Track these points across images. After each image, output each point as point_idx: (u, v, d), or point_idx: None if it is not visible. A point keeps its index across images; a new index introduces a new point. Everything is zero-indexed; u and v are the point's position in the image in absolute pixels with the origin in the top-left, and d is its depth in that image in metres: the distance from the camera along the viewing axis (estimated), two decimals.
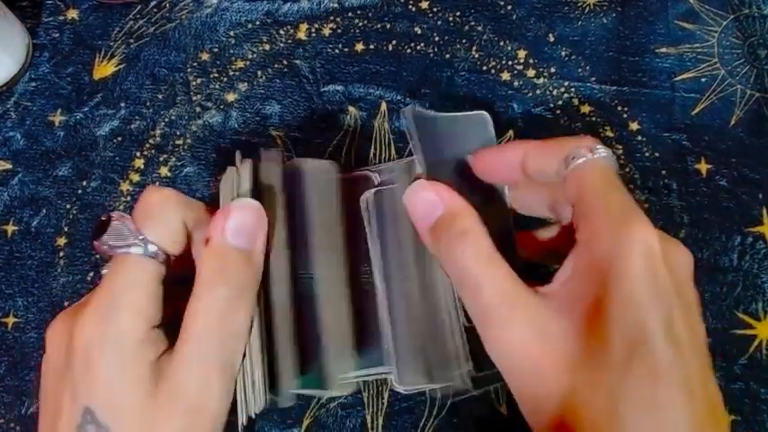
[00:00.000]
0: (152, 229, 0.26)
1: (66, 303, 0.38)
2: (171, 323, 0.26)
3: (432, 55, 0.41)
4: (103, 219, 0.26)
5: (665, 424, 0.21)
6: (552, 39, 0.41)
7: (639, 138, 0.38)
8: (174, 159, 0.40)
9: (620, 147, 0.38)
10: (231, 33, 0.43)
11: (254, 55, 0.42)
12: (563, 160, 0.26)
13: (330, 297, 0.31)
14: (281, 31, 0.43)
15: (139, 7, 0.44)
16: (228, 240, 0.26)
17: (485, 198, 0.30)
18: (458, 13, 0.42)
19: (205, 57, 0.43)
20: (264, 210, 0.27)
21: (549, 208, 0.30)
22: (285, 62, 0.42)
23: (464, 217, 0.26)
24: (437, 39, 0.42)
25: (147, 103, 0.42)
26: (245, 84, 0.42)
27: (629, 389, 0.21)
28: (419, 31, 0.42)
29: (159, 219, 0.26)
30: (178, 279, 0.27)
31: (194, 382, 0.24)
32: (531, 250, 0.31)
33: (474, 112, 0.32)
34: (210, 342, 0.25)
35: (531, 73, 0.40)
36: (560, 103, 0.40)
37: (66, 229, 0.40)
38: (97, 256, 0.39)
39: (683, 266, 0.24)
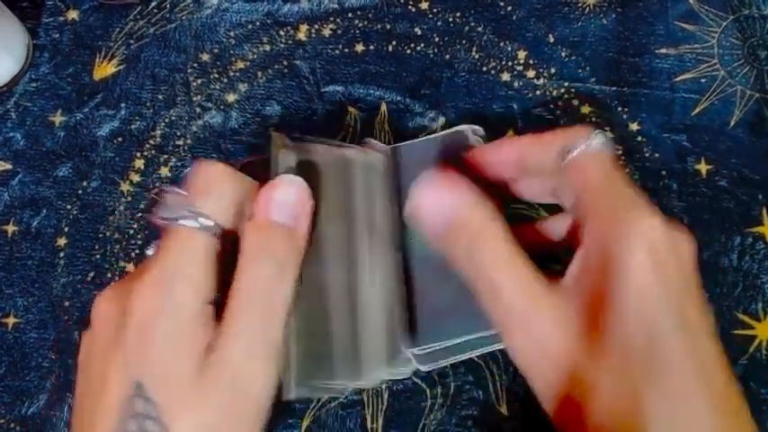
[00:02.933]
0: (206, 202, 0.26)
1: (66, 303, 0.38)
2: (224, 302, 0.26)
3: (432, 55, 0.41)
4: (158, 193, 0.26)
5: (684, 412, 0.21)
6: (552, 39, 0.41)
7: (639, 138, 0.38)
8: (174, 160, 0.40)
9: (620, 147, 0.38)
10: (231, 34, 0.43)
11: (255, 55, 0.42)
12: (559, 153, 0.26)
13: (376, 287, 0.30)
14: (282, 32, 0.43)
15: (140, 8, 0.44)
16: (273, 217, 0.26)
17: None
18: (458, 14, 0.42)
19: (205, 57, 0.43)
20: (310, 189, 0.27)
21: (552, 194, 0.30)
22: (285, 63, 0.42)
23: (478, 215, 0.26)
24: (437, 39, 0.42)
25: (148, 104, 0.42)
26: (246, 84, 0.42)
27: (648, 381, 0.22)
28: (419, 32, 0.42)
29: (213, 193, 0.26)
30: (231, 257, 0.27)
31: (240, 355, 0.24)
32: (538, 242, 0.30)
33: (453, 129, 0.32)
34: (254, 317, 0.25)
35: (531, 73, 0.40)
36: (560, 103, 0.40)
37: (66, 229, 0.40)
38: (97, 256, 0.39)
39: (687, 254, 0.24)
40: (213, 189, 0.26)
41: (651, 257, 0.22)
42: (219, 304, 0.26)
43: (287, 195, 0.27)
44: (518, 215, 0.38)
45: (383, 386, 0.35)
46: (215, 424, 0.24)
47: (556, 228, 0.30)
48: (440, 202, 0.26)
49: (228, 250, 0.27)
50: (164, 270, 0.25)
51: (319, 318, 0.28)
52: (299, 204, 0.27)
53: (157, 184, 0.40)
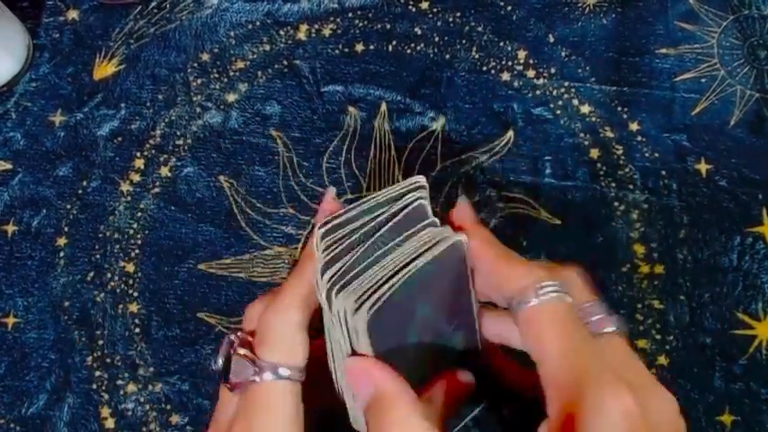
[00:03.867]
0: (273, 351, 0.25)
1: (66, 303, 0.38)
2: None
3: (432, 55, 0.41)
4: (224, 356, 0.25)
5: None
6: (552, 39, 0.41)
7: (639, 138, 0.38)
8: (174, 159, 0.40)
9: (620, 147, 0.38)
10: (231, 34, 0.43)
11: (255, 55, 0.42)
12: (511, 301, 0.24)
13: None
14: (281, 32, 0.43)
15: (140, 8, 0.44)
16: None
17: (452, 304, 0.27)
18: (458, 14, 0.42)
19: (205, 57, 0.43)
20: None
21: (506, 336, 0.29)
22: (285, 62, 0.42)
23: (395, 406, 0.23)
24: (437, 39, 0.42)
25: (148, 104, 0.42)
26: (246, 84, 0.42)
27: None
28: (419, 32, 0.42)
29: (278, 339, 0.25)
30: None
31: None
32: (522, 385, 0.29)
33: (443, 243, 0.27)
34: None
35: (531, 73, 0.40)
36: (560, 103, 0.40)
37: (66, 229, 0.40)
38: (97, 256, 0.39)
39: (666, 416, 0.23)
40: (277, 337, 0.25)
41: (626, 425, 0.21)
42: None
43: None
44: (518, 215, 0.38)
45: None
46: None
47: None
48: (362, 376, 0.24)
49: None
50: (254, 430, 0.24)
51: None
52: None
53: (158, 183, 0.40)
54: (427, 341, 0.27)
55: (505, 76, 0.41)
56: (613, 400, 0.21)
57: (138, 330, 0.38)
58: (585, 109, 0.39)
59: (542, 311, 0.23)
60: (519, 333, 0.24)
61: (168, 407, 0.36)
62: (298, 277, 0.26)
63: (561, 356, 0.23)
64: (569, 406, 0.22)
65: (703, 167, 0.38)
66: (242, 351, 0.25)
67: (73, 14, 0.45)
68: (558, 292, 0.24)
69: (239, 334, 0.26)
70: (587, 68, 0.40)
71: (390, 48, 0.42)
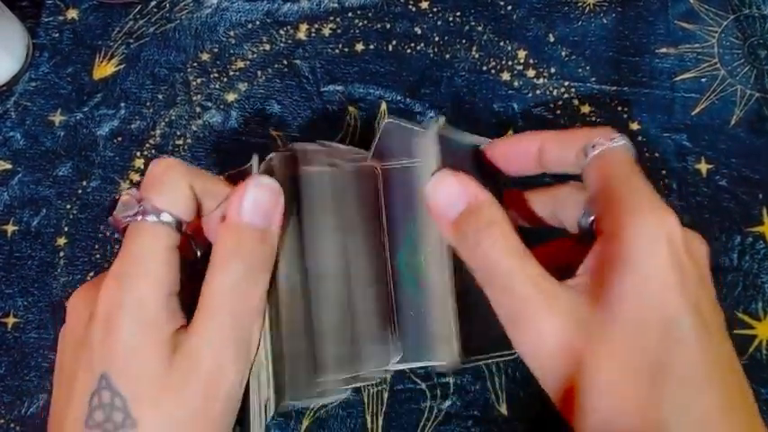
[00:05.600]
0: (159, 195, 0.26)
1: (66, 303, 0.38)
2: (192, 302, 0.26)
3: (432, 55, 0.41)
4: (116, 197, 0.26)
5: (698, 406, 0.21)
6: (552, 39, 0.41)
7: (639, 138, 0.38)
8: None
9: None
10: (231, 33, 0.43)
11: (254, 55, 0.42)
12: (581, 150, 0.26)
13: (338, 293, 0.30)
14: (281, 31, 0.43)
15: (139, 7, 0.44)
16: (244, 218, 0.26)
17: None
18: (458, 13, 0.42)
19: (205, 57, 0.43)
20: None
21: (551, 216, 0.30)
22: (285, 62, 0.42)
23: (491, 208, 0.25)
24: (437, 39, 0.42)
25: (148, 103, 0.42)
26: (245, 84, 0.42)
27: (660, 370, 0.22)
28: (419, 31, 0.42)
29: (165, 185, 0.26)
30: (195, 255, 0.27)
31: (209, 355, 0.24)
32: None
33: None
34: (225, 316, 0.25)
35: (531, 73, 0.40)
36: (560, 103, 0.40)
37: (66, 229, 0.40)
38: (97, 255, 0.39)
39: (702, 256, 0.25)
40: (166, 181, 0.26)
41: (670, 250, 0.23)
42: (192, 303, 0.26)
43: (259, 196, 0.27)
44: None
45: (383, 387, 0.35)
46: (184, 421, 0.24)
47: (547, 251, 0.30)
48: (455, 189, 0.26)
49: (193, 247, 0.27)
50: (126, 264, 0.25)
51: (305, 318, 0.28)
52: (270, 205, 0.27)
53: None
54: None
55: (505, 76, 0.41)
56: (658, 223, 0.23)
57: None
58: (585, 109, 0.39)
59: (612, 153, 0.26)
60: (583, 178, 0.26)
61: None
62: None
63: (624, 181, 0.25)
64: (623, 225, 0.23)
65: (703, 167, 0.38)
66: (131, 192, 0.26)
67: (72, 14, 0.45)
68: (628, 144, 0.26)
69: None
70: (587, 68, 0.40)
71: (390, 47, 0.42)
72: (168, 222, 0.25)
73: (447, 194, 0.26)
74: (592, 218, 0.27)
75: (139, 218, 0.25)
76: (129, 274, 0.25)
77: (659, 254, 0.23)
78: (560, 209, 0.30)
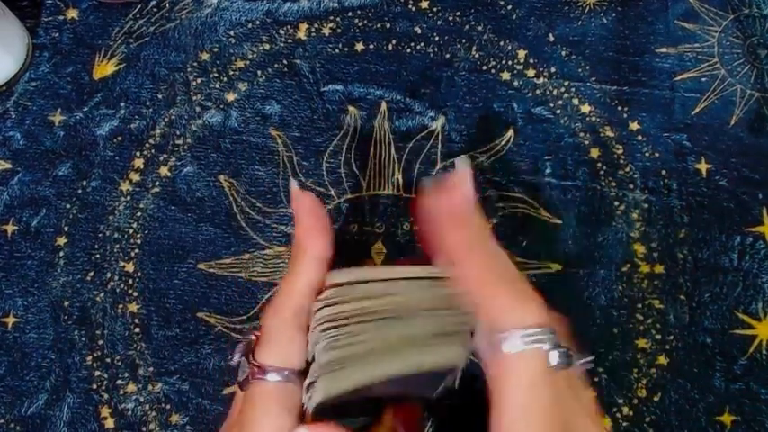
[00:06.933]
0: (268, 354, 0.25)
1: (65, 303, 0.38)
2: None
3: (432, 55, 0.41)
4: (239, 354, 0.26)
5: None
6: (552, 38, 0.41)
7: (639, 138, 0.38)
8: (173, 159, 0.40)
9: (620, 147, 0.38)
10: (231, 33, 0.43)
11: (254, 55, 0.42)
12: (491, 334, 0.23)
13: None
14: (281, 31, 0.43)
15: (139, 7, 0.44)
16: None
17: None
18: (458, 13, 0.42)
19: (205, 56, 0.43)
20: None
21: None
22: (285, 62, 0.42)
23: (477, 216, 0.25)
24: (437, 39, 0.42)
25: (147, 103, 0.42)
26: (245, 83, 0.42)
27: None
28: (419, 31, 0.42)
29: (274, 342, 0.25)
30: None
31: None
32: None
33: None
34: None
35: (531, 73, 0.40)
36: (560, 103, 0.40)
37: (66, 228, 0.40)
38: (97, 255, 0.39)
39: None
40: (275, 338, 0.25)
41: None
42: None
43: None
44: (518, 215, 0.38)
45: None
46: None
47: None
48: (453, 194, 0.25)
49: None
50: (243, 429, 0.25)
51: None
52: None
53: (157, 183, 0.40)
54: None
55: (505, 76, 0.41)
56: None
57: (137, 330, 0.38)
58: (585, 108, 0.39)
59: (520, 361, 0.23)
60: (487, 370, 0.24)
61: (168, 407, 0.36)
62: (292, 274, 0.26)
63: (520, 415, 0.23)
64: None
65: (703, 167, 0.38)
66: (242, 352, 0.26)
67: (72, 14, 0.44)
68: (543, 346, 0.22)
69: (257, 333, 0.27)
70: (587, 68, 0.40)
71: (390, 47, 0.42)
72: (278, 381, 0.25)
73: (449, 194, 0.25)
74: None
75: (252, 379, 0.25)
76: None
77: None
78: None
